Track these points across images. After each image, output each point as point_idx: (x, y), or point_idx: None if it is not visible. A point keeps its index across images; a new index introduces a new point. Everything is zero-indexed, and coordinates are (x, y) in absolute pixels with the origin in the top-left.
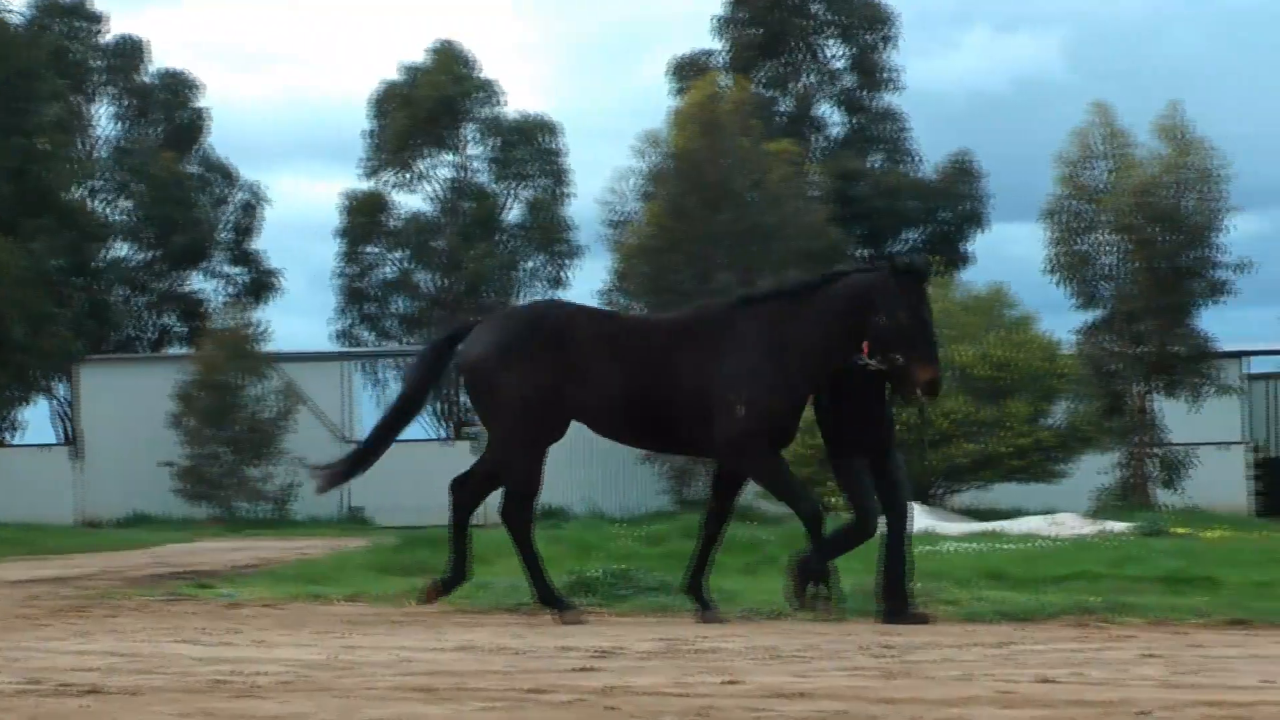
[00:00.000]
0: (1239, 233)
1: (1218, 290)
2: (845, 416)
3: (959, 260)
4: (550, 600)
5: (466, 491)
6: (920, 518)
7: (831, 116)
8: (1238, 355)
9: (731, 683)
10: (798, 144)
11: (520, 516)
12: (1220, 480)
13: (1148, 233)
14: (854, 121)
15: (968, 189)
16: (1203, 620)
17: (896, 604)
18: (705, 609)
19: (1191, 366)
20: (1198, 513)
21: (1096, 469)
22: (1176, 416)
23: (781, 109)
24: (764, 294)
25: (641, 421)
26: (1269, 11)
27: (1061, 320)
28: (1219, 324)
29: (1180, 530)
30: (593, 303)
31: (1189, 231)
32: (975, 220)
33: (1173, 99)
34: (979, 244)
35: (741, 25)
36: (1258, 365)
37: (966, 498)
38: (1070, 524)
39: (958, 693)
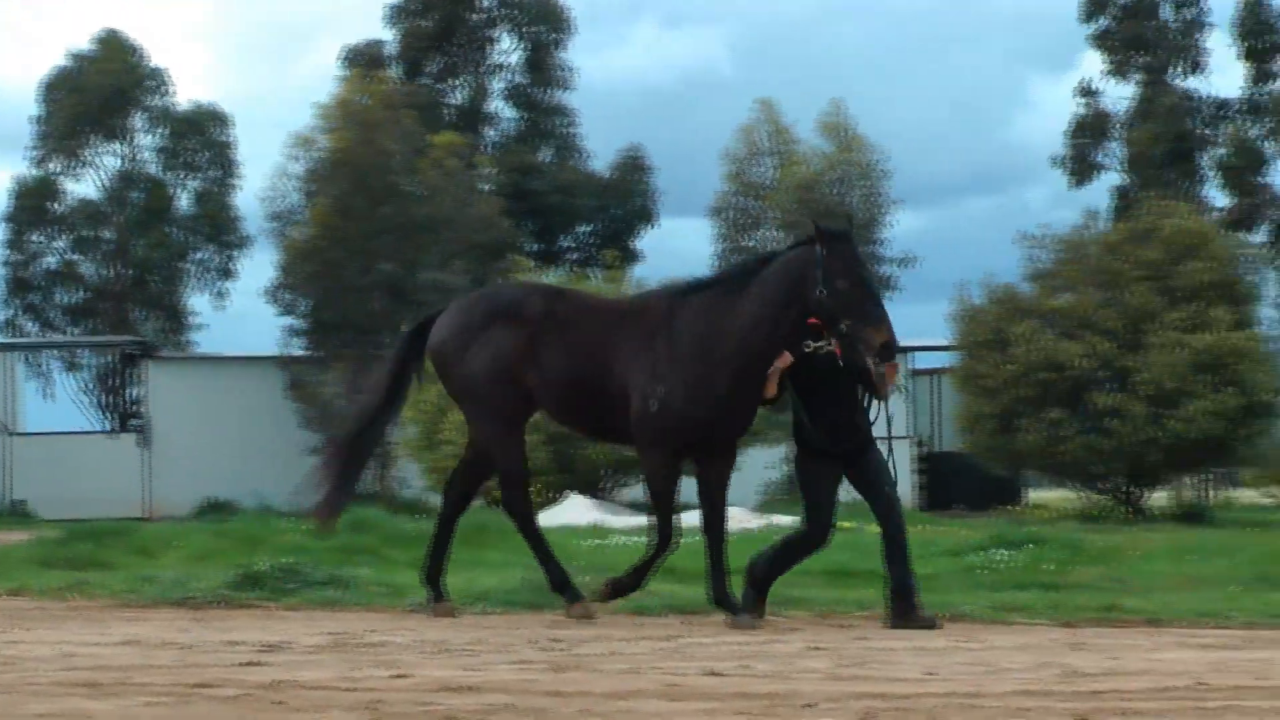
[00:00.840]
0: (902, 228)
1: (882, 286)
2: (813, 415)
3: (629, 256)
4: (563, 589)
5: (455, 490)
6: (588, 511)
7: (504, 111)
8: (903, 351)
9: (400, 676)
10: (467, 137)
11: (521, 502)
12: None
13: None
14: (526, 116)
15: (638, 185)
16: (867, 613)
17: (904, 605)
18: (573, 601)
19: None
20: (863, 505)
21: (764, 463)
22: None
23: (452, 101)
24: (703, 283)
25: (579, 405)
26: (928, 10)
27: None
28: None
29: (847, 524)
30: (260, 299)
31: (853, 227)
32: (645, 216)
33: (835, 96)
34: (648, 240)
35: (413, 16)
36: (922, 361)
37: (636, 491)
38: (737, 518)
39: (625, 686)
